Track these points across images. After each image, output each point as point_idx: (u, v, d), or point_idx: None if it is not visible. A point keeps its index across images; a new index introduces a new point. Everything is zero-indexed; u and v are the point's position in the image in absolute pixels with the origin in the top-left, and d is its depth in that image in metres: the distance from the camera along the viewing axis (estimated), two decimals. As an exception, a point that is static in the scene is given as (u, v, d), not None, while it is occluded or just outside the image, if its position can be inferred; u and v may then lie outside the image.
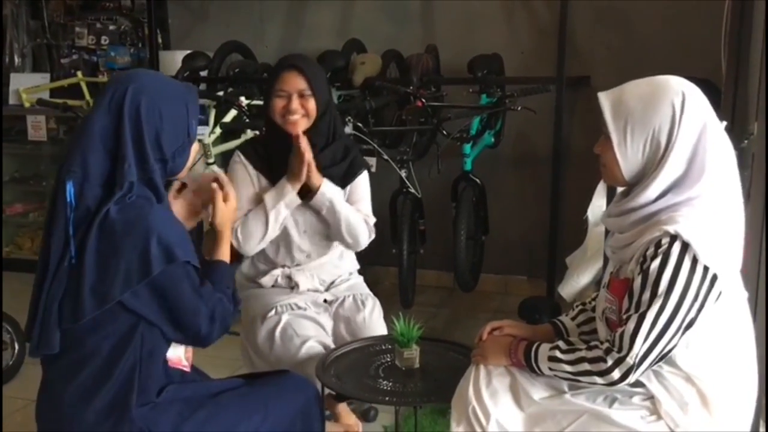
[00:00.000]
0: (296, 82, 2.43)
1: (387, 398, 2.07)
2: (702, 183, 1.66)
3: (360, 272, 2.76)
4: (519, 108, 3.77)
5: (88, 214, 1.69)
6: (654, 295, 1.61)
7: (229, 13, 4.88)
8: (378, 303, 2.61)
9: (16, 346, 3.31)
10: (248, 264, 2.62)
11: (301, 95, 2.43)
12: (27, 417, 1.85)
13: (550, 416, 1.76)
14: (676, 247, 1.61)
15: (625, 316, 1.66)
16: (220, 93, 4.18)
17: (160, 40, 4.88)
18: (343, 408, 2.63)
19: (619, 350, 1.64)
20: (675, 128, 1.65)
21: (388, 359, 2.25)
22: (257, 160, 2.52)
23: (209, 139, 3.98)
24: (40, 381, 1.82)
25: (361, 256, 2.76)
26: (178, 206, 1.97)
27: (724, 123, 1.76)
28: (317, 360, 2.25)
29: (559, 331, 1.99)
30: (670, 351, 1.64)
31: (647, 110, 1.67)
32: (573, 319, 2.01)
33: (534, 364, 1.79)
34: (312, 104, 2.44)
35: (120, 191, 1.69)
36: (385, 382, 2.13)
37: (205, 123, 3.99)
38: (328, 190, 2.46)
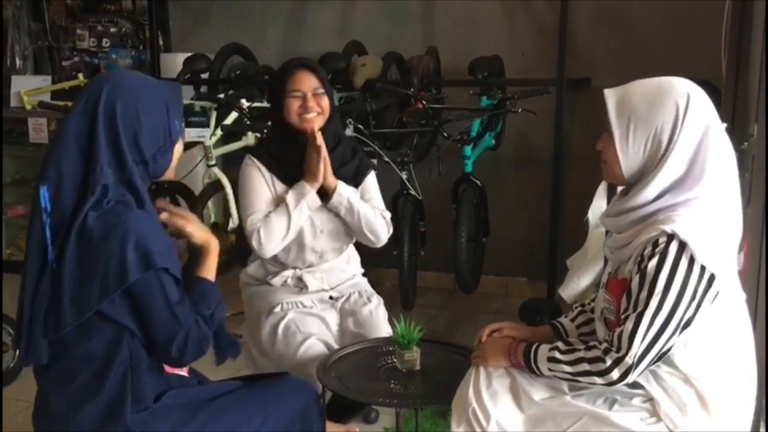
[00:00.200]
0: (309, 81, 2.46)
1: (388, 400, 2.08)
2: (701, 185, 1.66)
3: (362, 274, 2.77)
4: (519, 110, 3.77)
5: (65, 218, 1.64)
6: (651, 294, 1.62)
7: (230, 16, 4.89)
8: (382, 301, 2.63)
9: (17, 348, 3.32)
10: (257, 266, 2.62)
11: (315, 93, 2.46)
12: (28, 419, 1.84)
13: (550, 418, 1.77)
14: (674, 247, 1.61)
15: (623, 316, 1.67)
16: (221, 95, 4.18)
17: (161, 43, 4.89)
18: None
19: (618, 350, 1.64)
20: (677, 128, 1.66)
21: (389, 361, 2.25)
22: (271, 163, 2.51)
23: (210, 142, 3.99)
24: (36, 390, 1.80)
25: (361, 258, 2.77)
26: None
27: (724, 125, 1.76)
28: (318, 361, 2.25)
29: (559, 333, 1.99)
30: (668, 350, 1.65)
31: (651, 109, 1.67)
32: (572, 320, 2.01)
33: (533, 365, 1.80)
34: (326, 102, 2.48)
35: (92, 195, 1.63)
36: (386, 383, 2.13)
37: (206, 125, 4.00)
38: (344, 189, 2.49)
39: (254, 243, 2.42)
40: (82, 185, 1.65)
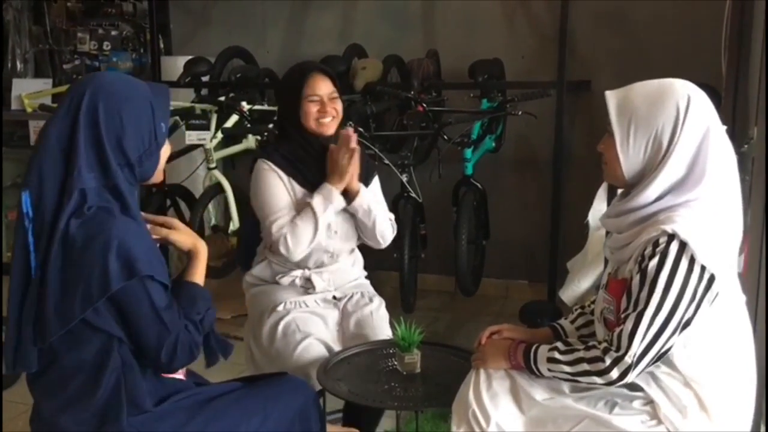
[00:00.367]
0: (325, 85, 2.48)
1: (388, 402, 2.08)
2: (702, 186, 1.67)
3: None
4: (520, 112, 3.78)
5: (46, 223, 1.61)
6: (651, 293, 1.62)
7: (231, 19, 4.90)
8: (384, 303, 2.64)
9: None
10: (263, 267, 2.61)
11: (331, 98, 2.48)
12: (28, 422, 1.84)
13: (550, 420, 1.77)
14: (674, 247, 1.62)
15: (623, 316, 1.67)
16: (222, 98, 4.19)
17: (161, 46, 4.90)
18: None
19: (617, 349, 1.64)
20: (678, 130, 1.66)
21: (390, 364, 2.25)
22: (287, 166, 2.50)
23: (211, 145, 3.99)
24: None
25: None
26: None
27: (724, 127, 1.77)
28: (318, 362, 2.25)
29: (558, 335, 1.99)
30: (667, 350, 1.65)
31: (652, 110, 1.68)
32: (572, 322, 2.02)
33: (533, 366, 1.80)
34: (339, 105, 2.51)
35: (69, 200, 1.59)
36: (386, 386, 2.13)
37: (207, 128, 4.00)
38: (366, 192, 2.51)
39: (282, 249, 2.41)
40: (61, 190, 1.62)
